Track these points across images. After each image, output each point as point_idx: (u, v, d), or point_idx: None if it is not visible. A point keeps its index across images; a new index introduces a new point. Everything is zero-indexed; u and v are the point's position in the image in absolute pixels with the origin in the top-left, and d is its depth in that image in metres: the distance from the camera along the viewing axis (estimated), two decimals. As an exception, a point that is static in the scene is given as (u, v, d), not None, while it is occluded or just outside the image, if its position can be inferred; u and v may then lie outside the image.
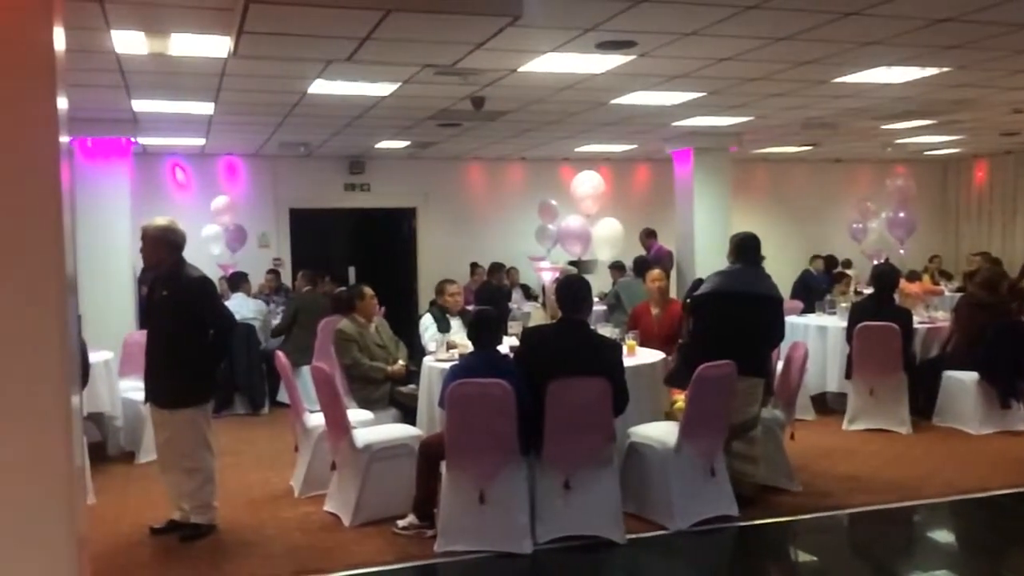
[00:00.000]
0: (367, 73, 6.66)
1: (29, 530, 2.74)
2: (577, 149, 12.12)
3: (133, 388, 7.07)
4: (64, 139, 2.83)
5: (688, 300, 5.96)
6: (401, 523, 5.01)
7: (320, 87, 7.12)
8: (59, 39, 2.80)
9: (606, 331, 6.16)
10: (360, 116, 8.73)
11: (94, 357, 6.33)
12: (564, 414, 4.73)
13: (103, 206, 8.56)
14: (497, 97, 7.71)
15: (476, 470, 4.72)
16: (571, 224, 9.16)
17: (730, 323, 5.41)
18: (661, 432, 5.24)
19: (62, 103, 2.83)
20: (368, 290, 6.86)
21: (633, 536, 4.93)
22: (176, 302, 5.02)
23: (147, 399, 5.17)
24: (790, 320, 9.03)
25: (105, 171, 8.71)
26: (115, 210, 8.71)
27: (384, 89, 7.31)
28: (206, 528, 5.07)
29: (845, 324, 7.73)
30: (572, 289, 5.14)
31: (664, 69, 6.79)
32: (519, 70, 6.63)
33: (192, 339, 5.01)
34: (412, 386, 6.35)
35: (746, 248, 5.66)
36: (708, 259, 9.76)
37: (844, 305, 8.49)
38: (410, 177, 12.73)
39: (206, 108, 8.13)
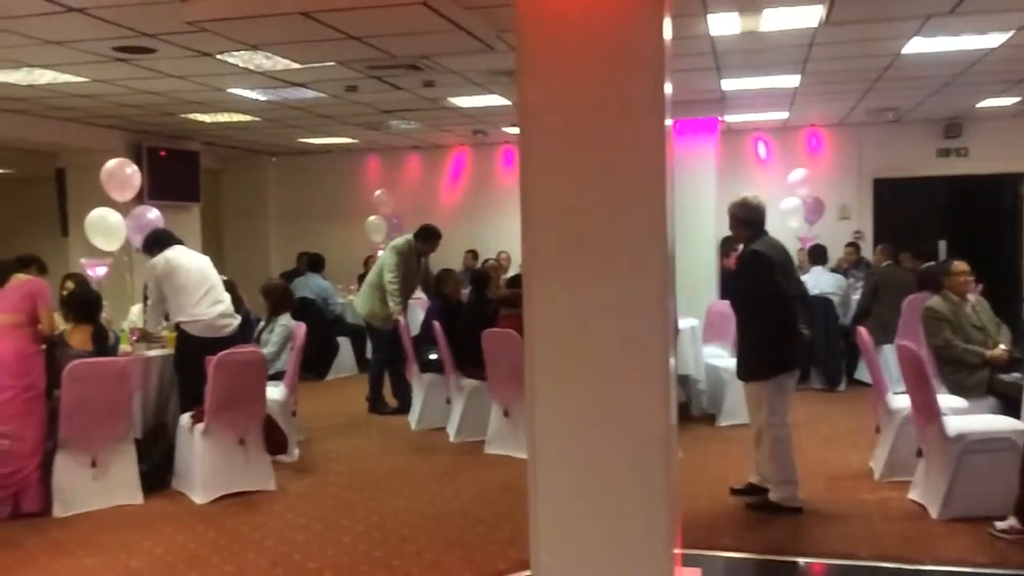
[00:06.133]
0: (973, 24, 6.02)
1: (636, 472, 3.10)
2: None
3: (714, 355, 7.52)
4: (668, 122, 3.09)
5: None
6: (1000, 525, 4.50)
7: (916, 46, 6.62)
8: (667, 29, 3.06)
9: None
10: (961, 73, 7.91)
11: (682, 323, 6.85)
12: None
13: (692, 182, 8.99)
14: None
15: (1102, 481, 3.99)
16: None
17: None
18: None
19: (667, 89, 3.09)
20: (960, 265, 6.22)
21: None
22: (737, 274, 5.28)
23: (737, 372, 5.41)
24: None
25: (694, 149, 9.22)
26: (702, 186, 9.18)
27: (993, 40, 6.52)
28: (781, 507, 5.01)
29: None
30: None
31: None
32: None
33: (751, 311, 5.12)
34: (1017, 375, 5.63)
35: None
36: None
37: None
38: (1018, 138, 11.15)
39: (791, 81, 8.15)
